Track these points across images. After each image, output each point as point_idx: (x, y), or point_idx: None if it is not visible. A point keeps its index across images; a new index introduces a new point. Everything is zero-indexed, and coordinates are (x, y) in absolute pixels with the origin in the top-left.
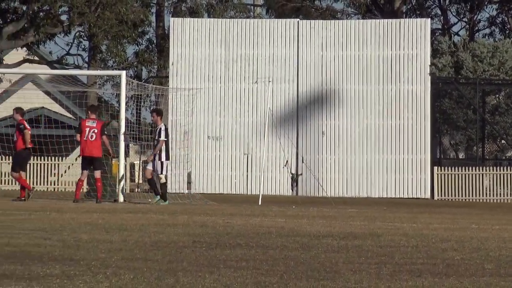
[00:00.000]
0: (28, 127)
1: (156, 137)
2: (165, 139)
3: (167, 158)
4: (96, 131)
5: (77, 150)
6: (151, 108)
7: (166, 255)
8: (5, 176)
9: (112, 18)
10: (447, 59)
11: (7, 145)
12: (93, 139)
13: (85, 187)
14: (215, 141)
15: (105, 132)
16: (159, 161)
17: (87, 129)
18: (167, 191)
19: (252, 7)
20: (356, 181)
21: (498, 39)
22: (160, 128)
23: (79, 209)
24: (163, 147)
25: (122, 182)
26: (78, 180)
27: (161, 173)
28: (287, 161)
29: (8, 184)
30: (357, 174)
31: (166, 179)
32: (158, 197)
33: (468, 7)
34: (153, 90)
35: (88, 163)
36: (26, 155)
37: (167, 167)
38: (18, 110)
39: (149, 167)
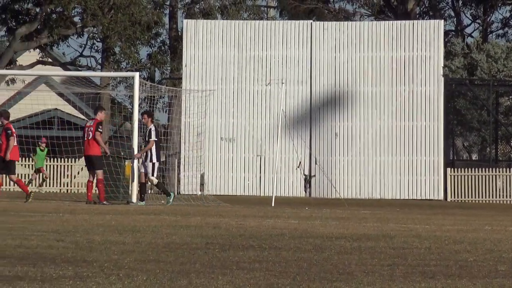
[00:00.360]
0: (14, 131)
1: (147, 138)
2: (155, 139)
3: (158, 159)
4: (92, 129)
5: None
6: (142, 111)
7: (179, 257)
8: (24, 178)
9: (125, 20)
10: (461, 60)
11: (22, 147)
12: (89, 138)
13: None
14: (228, 143)
15: (99, 130)
16: (150, 163)
17: (86, 129)
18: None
19: (265, 9)
20: (369, 183)
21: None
22: (151, 129)
23: (92, 210)
24: (154, 148)
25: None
26: (87, 181)
27: (152, 175)
28: (300, 163)
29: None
30: (370, 176)
31: (159, 180)
32: (172, 195)
33: (482, 9)
34: (166, 91)
35: (88, 162)
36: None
37: (158, 168)
38: (2, 113)
39: (142, 170)
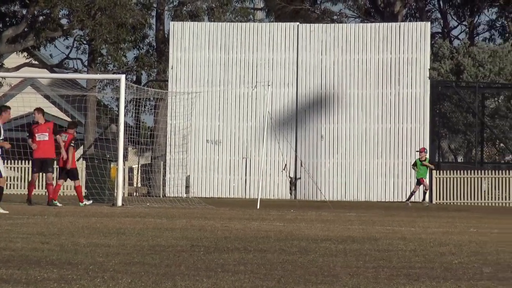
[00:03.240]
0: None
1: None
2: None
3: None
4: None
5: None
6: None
7: (164, 259)
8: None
9: (111, 22)
10: (448, 63)
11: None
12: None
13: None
14: (214, 145)
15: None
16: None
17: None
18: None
19: (252, 10)
20: (355, 185)
21: (498, 44)
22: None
23: (77, 213)
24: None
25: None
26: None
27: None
28: (285, 165)
29: (11, 188)
30: (355, 178)
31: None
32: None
33: (468, 11)
34: (153, 94)
35: (43, 164)
36: None
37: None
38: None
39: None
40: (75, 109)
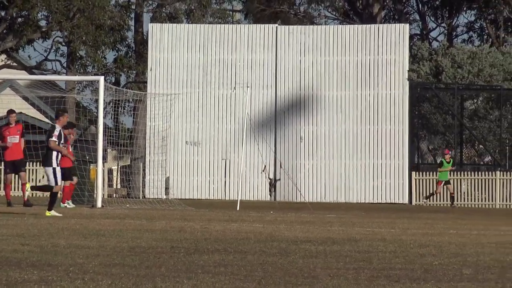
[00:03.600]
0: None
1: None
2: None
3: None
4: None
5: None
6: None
7: (144, 261)
8: None
9: (89, 24)
10: (427, 64)
11: None
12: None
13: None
14: (193, 147)
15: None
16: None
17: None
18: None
19: (231, 12)
20: (334, 187)
21: (476, 46)
22: None
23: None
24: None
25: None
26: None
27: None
28: (265, 167)
29: None
30: (335, 180)
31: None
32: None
33: (447, 13)
34: (132, 95)
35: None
36: None
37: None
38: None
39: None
40: (54, 111)
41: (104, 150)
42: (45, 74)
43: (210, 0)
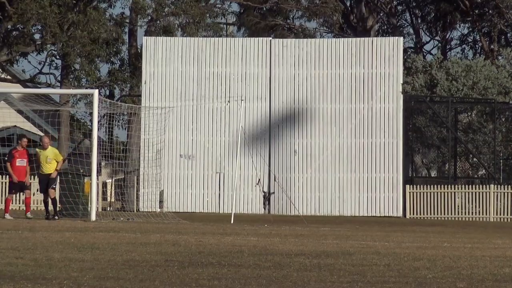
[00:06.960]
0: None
1: None
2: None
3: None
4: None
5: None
6: None
7: (138, 274)
8: None
9: (84, 37)
10: (422, 77)
11: None
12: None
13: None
14: (187, 160)
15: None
16: None
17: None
18: None
19: (224, 26)
20: (329, 200)
21: (470, 59)
22: None
23: (51, 228)
24: None
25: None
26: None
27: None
28: (259, 180)
29: None
30: (329, 193)
31: None
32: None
33: (441, 26)
34: (126, 108)
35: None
36: None
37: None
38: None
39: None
40: (48, 124)
41: (98, 164)
42: (39, 88)
43: (203, 16)
